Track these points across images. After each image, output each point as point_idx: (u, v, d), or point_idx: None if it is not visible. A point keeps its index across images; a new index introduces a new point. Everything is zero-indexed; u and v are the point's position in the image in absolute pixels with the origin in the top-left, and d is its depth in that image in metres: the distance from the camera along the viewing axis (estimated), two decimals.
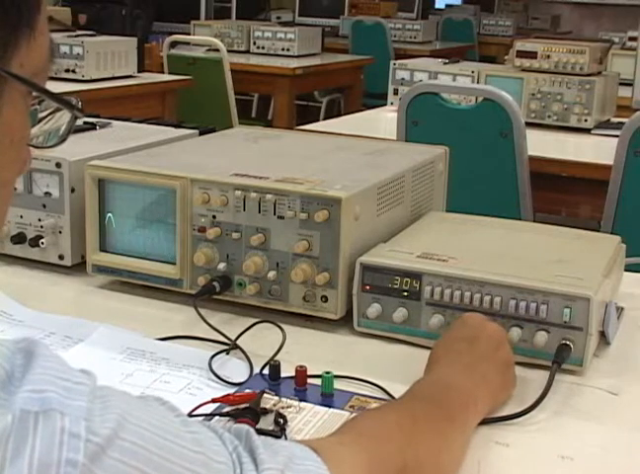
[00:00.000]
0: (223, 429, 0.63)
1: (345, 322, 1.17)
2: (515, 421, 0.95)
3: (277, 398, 0.95)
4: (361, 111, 3.82)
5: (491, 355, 0.97)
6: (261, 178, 1.20)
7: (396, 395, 0.97)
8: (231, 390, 0.98)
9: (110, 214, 1.26)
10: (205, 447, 0.57)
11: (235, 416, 0.91)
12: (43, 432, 0.48)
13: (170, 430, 0.55)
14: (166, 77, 4.23)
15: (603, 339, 1.13)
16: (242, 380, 1.01)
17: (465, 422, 0.87)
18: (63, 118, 0.60)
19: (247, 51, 5.29)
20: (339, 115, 4.77)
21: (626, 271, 1.31)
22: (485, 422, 0.92)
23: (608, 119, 3.06)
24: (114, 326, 1.13)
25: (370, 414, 0.85)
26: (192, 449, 0.55)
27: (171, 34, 4.97)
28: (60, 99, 0.59)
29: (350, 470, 0.69)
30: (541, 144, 2.67)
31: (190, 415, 0.91)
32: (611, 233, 1.83)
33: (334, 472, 0.64)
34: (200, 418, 0.91)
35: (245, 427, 0.64)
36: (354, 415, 0.89)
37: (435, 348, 1.01)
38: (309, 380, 0.99)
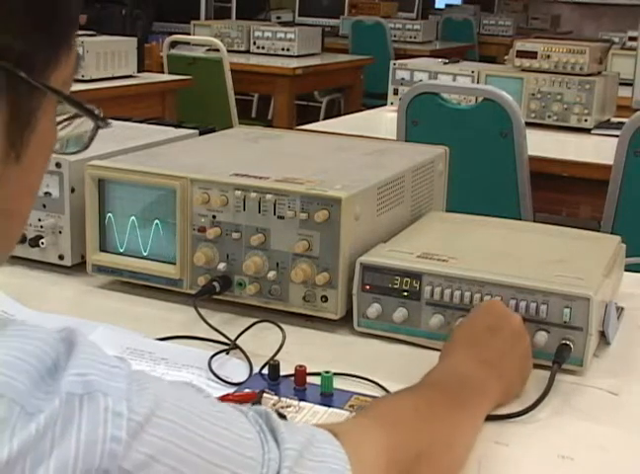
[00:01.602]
0: (248, 409, 0.65)
1: (345, 322, 1.17)
2: (515, 420, 0.95)
3: (276, 398, 0.96)
4: (361, 111, 3.82)
5: (510, 348, 0.99)
6: (261, 178, 1.20)
7: None
8: (231, 390, 0.98)
9: (110, 214, 1.27)
10: (234, 425, 0.59)
11: None
12: (89, 411, 0.51)
13: (201, 408, 0.58)
14: (166, 77, 4.23)
15: (603, 339, 1.13)
16: (241, 380, 1.01)
17: (475, 409, 0.89)
18: (83, 125, 0.61)
19: (247, 51, 5.29)
20: (339, 115, 4.77)
21: (626, 271, 1.31)
22: (485, 420, 0.92)
23: (608, 119, 3.06)
24: (113, 326, 1.13)
25: (389, 400, 0.87)
26: (223, 427, 0.58)
27: (171, 34, 4.96)
28: (88, 109, 0.60)
29: (369, 455, 0.70)
30: (541, 144, 2.67)
31: None
32: (611, 233, 1.83)
33: (353, 457, 0.65)
34: None
35: (263, 408, 0.66)
36: (372, 400, 0.90)
37: (456, 331, 1.02)
38: (309, 380, 0.99)
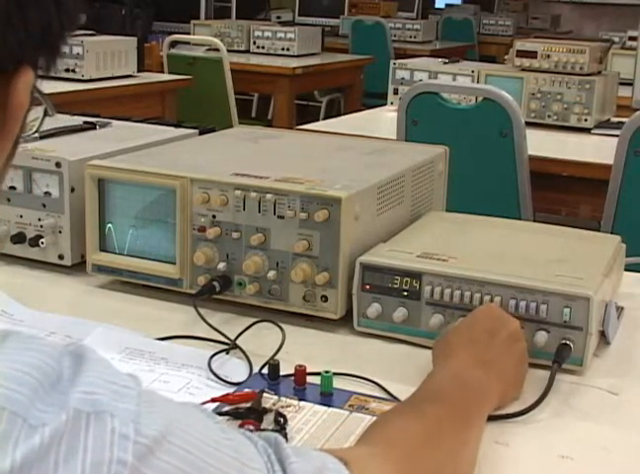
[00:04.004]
0: (258, 437, 0.64)
1: (345, 322, 1.17)
2: (515, 420, 0.95)
3: (276, 397, 0.95)
4: (361, 110, 3.82)
5: (508, 350, 0.99)
6: (261, 178, 1.20)
7: (395, 394, 0.98)
8: (230, 390, 0.98)
9: (110, 214, 1.26)
10: (242, 454, 0.59)
11: (238, 417, 0.91)
12: (95, 432, 0.51)
13: (210, 435, 0.57)
14: (166, 77, 4.23)
15: (603, 339, 1.13)
16: (241, 380, 1.01)
17: (480, 420, 0.89)
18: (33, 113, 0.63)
19: (247, 51, 5.28)
20: (339, 114, 4.77)
21: (626, 271, 1.31)
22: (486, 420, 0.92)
23: (608, 119, 3.06)
24: (113, 326, 1.13)
25: (397, 421, 0.85)
26: (230, 455, 0.58)
27: (171, 33, 4.97)
28: (47, 101, 0.62)
29: None
30: (541, 144, 2.67)
31: None
32: (611, 233, 1.83)
33: None
34: None
35: (274, 435, 0.65)
36: (378, 419, 0.87)
37: (454, 333, 1.02)
38: (309, 380, 0.99)
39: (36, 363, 0.51)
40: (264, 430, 0.88)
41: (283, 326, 1.13)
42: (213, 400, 0.95)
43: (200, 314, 1.13)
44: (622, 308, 1.23)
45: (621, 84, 3.21)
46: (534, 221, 2.25)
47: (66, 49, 3.33)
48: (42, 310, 1.19)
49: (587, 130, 2.93)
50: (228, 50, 4.48)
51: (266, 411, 0.92)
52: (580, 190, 2.62)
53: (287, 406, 0.94)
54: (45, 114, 0.63)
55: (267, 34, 5.26)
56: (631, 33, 5.50)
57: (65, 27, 0.55)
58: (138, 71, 3.89)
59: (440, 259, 1.14)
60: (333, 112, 6.12)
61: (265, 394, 0.95)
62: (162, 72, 4.44)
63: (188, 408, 0.60)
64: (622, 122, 2.41)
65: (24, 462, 0.48)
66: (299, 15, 7.70)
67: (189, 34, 5.44)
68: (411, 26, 7.21)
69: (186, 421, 0.56)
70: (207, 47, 4.70)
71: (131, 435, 0.51)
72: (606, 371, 1.08)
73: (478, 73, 3.12)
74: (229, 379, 1.01)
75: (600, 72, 3.06)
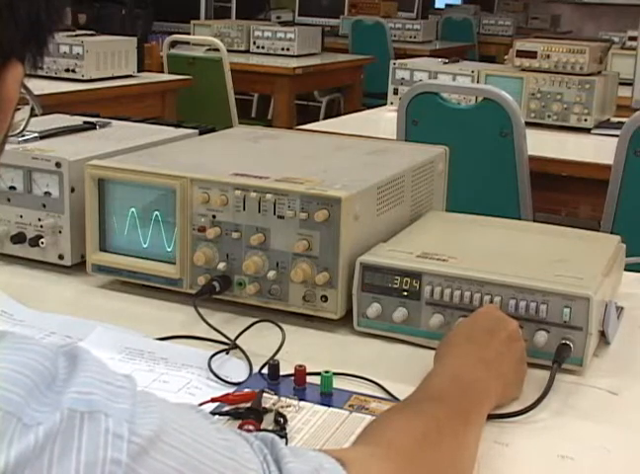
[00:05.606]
0: (254, 437, 0.64)
1: (345, 322, 1.17)
2: (514, 420, 0.95)
3: (276, 397, 0.95)
4: (361, 110, 3.82)
5: (507, 350, 0.99)
6: (261, 178, 1.20)
7: (395, 394, 0.98)
8: (230, 390, 0.98)
9: (110, 214, 1.26)
10: (238, 454, 0.59)
11: (238, 417, 0.91)
12: (89, 431, 0.51)
13: (206, 436, 0.57)
14: (166, 77, 4.23)
15: (603, 339, 1.13)
16: (241, 380, 1.01)
17: (479, 419, 0.89)
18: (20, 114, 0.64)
19: (247, 51, 5.29)
20: (339, 114, 4.76)
21: (626, 271, 1.31)
22: (486, 419, 0.92)
23: (608, 119, 3.06)
24: (113, 325, 1.13)
25: (397, 422, 0.84)
26: (225, 455, 0.57)
27: (171, 33, 4.97)
28: (35, 99, 0.63)
29: None
30: (541, 144, 2.67)
31: None
32: (611, 233, 1.83)
33: None
34: None
35: (270, 435, 0.65)
36: (376, 418, 0.86)
37: (455, 332, 1.02)
38: (309, 380, 0.99)
39: (30, 364, 0.51)
40: (264, 430, 0.88)
41: (283, 326, 1.13)
42: (213, 400, 0.95)
43: (200, 314, 1.13)
44: (622, 308, 1.23)
45: (621, 84, 3.21)
46: (534, 221, 2.25)
47: (66, 49, 3.33)
48: (42, 310, 1.19)
49: (587, 130, 2.93)
50: (228, 50, 4.48)
51: (266, 411, 0.92)
52: (580, 190, 2.62)
53: (287, 406, 0.94)
54: (32, 112, 0.63)
55: (267, 34, 5.26)
56: (631, 33, 5.50)
57: (54, 21, 0.56)
58: (138, 71, 3.89)
59: (439, 259, 1.14)
60: (333, 112, 6.12)
61: (265, 394, 0.95)
62: (162, 72, 4.44)
63: (183, 408, 0.60)
64: (622, 122, 2.41)
65: (18, 461, 0.48)
66: (299, 15, 7.70)
67: (189, 34, 5.44)
68: (411, 26, 7.21)
69: (181, 421, 0.56)
70: (207, 47, 4.69)
71: (126, 435, 0.51)
72: (606, 371, 1.08)
73: (478, 73, 3.12)
74: (229, 379, 1.01)
75: (599, 72, 3.06)
